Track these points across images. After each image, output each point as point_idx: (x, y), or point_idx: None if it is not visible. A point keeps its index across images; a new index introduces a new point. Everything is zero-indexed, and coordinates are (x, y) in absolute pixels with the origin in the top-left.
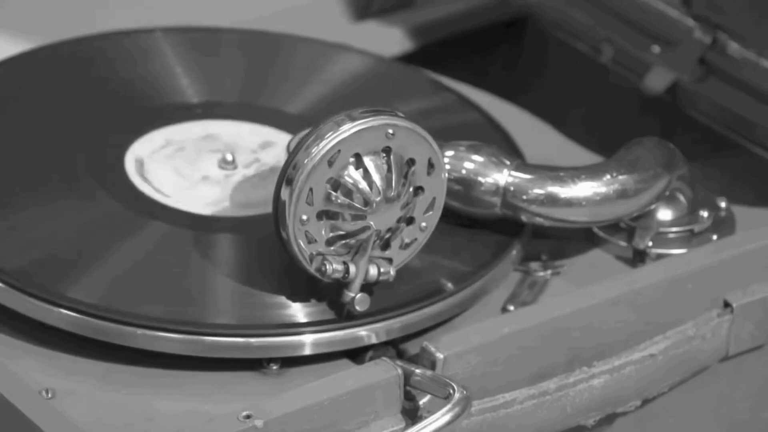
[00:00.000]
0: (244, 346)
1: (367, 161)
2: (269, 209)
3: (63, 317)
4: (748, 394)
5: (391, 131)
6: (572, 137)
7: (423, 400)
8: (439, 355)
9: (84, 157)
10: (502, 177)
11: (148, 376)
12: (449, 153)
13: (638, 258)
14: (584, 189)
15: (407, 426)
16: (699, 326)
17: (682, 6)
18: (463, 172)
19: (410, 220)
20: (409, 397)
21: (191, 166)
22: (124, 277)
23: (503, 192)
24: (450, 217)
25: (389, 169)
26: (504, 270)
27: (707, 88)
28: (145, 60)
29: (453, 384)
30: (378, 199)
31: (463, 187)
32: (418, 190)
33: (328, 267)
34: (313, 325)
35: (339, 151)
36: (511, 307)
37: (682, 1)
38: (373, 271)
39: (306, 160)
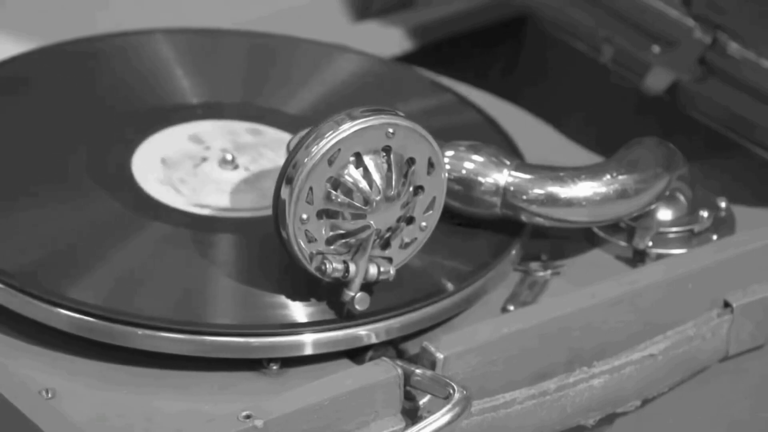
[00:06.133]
0: (244, 346)
1: (367, 160)
2: (269, 209)
3: (63, 318)
4: (748, 394)
5: (391, 130)
6: (572, 137)
7: (423, 400)
8: (439, 355)
9: (84, 158)
10: (502, 177)
11: (148, 376)
12: (449, 153)
13: (638, 258)
14: (584, 189)
15: (407, 426)
16: (699, 326)
17: (682, 6)
18: (463, 172)
19: (410, 220)
20: (409, 397)
21: (191, 167)
22: (125, 277)
23: (503, 192)
24: (450, 217)
25: (389, 169)
26: (504, 270)
27: (707, 88)
28: (146, 61)
29: (453, 384)
30: (378, 198)
31: (463, 187)
32: (418, 189)
33: (328, 266)
34: (313, 325)
35: (339, 150)
36: (511, 307)
37: (682, 1)
38: (373, 270)
39: (306, 159)
